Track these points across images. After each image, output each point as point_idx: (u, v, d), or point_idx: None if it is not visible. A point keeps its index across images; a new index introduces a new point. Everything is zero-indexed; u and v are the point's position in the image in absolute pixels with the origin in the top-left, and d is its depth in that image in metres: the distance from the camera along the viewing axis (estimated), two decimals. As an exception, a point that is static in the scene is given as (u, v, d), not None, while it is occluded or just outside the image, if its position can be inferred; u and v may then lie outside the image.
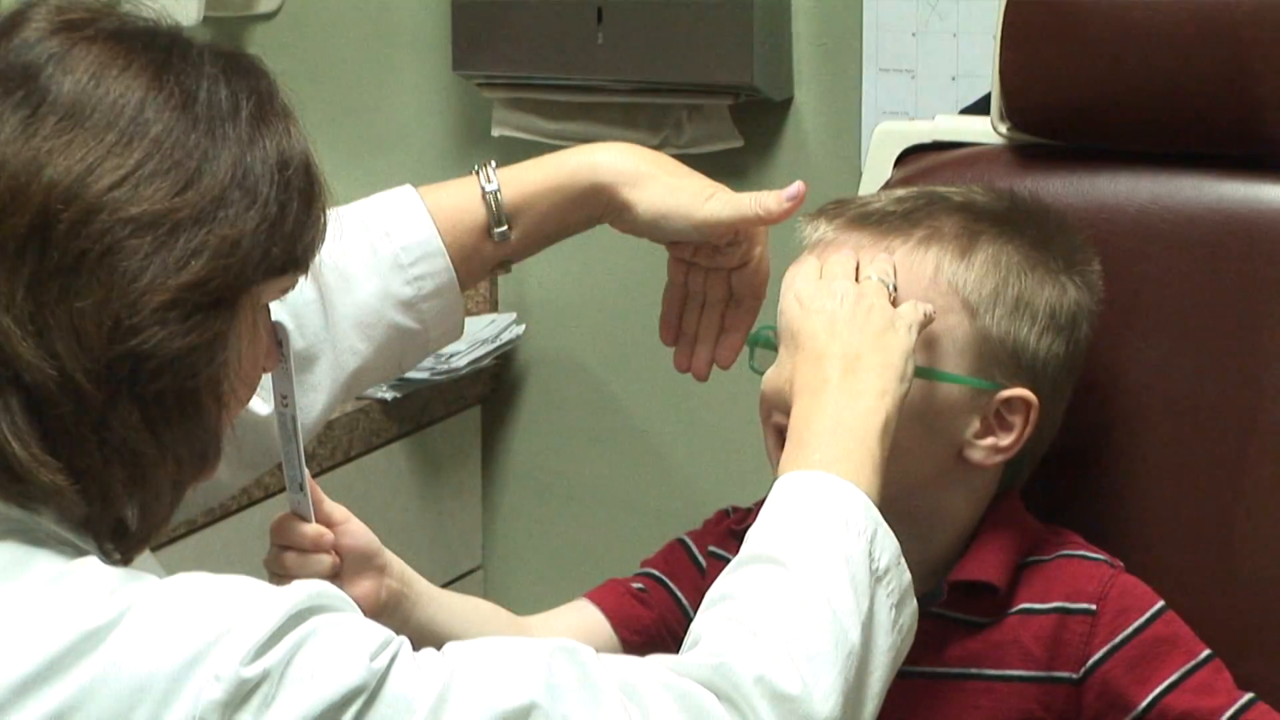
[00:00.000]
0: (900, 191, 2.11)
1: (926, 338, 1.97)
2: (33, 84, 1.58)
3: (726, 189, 2.04)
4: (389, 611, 1.98)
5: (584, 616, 2.14)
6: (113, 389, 1.57)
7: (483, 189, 2.05)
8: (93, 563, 1.58)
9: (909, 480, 1.99)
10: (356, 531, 1.96)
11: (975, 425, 2.01)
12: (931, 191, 2.09)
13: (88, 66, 1.59)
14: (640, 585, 2.15)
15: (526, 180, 2.06)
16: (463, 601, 2.13)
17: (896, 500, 1.91)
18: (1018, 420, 2.01)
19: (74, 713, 1.53)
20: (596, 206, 2.06)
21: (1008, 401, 2.01)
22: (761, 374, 2.03)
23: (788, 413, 1.89)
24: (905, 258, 2.01)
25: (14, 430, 1.56)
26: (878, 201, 2.07)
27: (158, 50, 1.62)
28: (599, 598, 2.15)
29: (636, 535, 2.83)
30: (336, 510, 1.95)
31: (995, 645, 2.04)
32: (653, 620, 2.14)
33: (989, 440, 2.02)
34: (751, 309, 2.08)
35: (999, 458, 2.02)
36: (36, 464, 1.56)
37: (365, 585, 1.96)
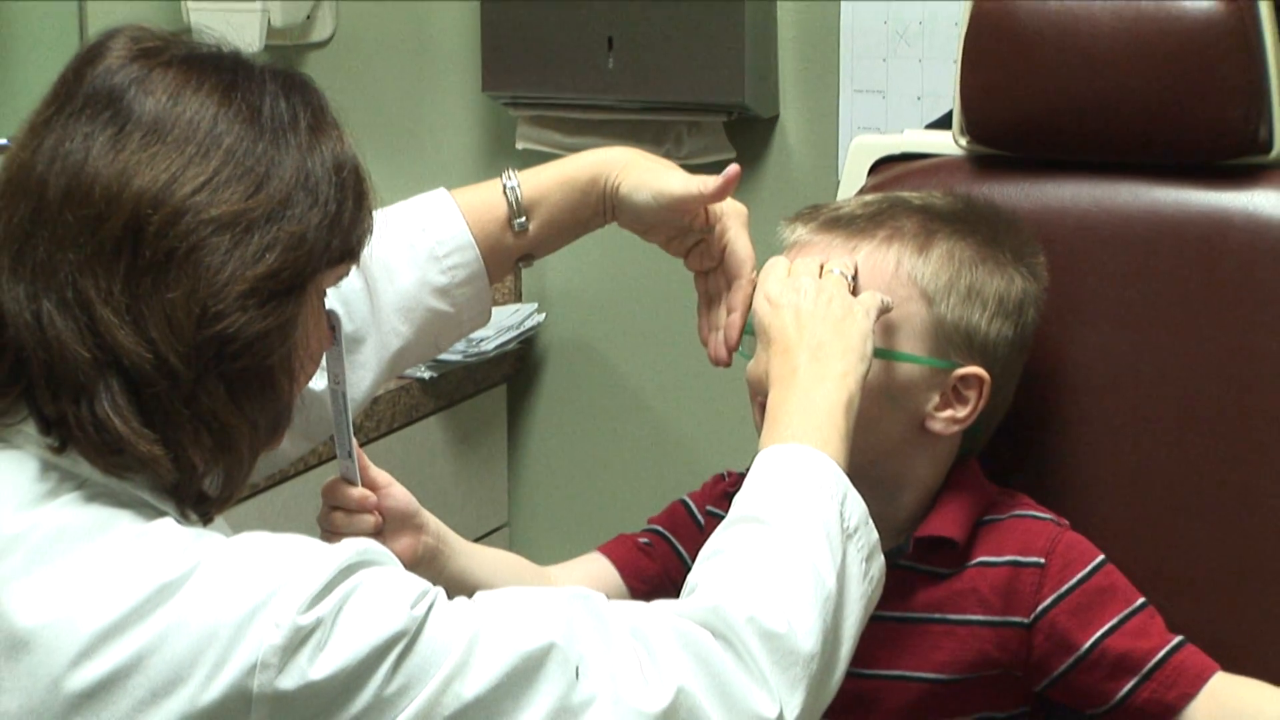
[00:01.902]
0: (867, 197, 2.12)
1: (890, 324, 1.98)
2: (118, 105, 1.58)
3: (694, 176, 2.05)
4: (426, 564, 1.98)
5: (597, 567, 2.14)
6: (201, 368, 1.57)
7: (504, 185, 2.05)
8: (169, 523, 1.58)
9: (878, 449, 2.00)
10: (398, 494, 1.96)
11: (935, 399, 2.01)
12: (894, 196, 2.09)
13: (165, 88, 1.59)
14: (646, 540, 2.15)
15: (541, 177, 2.07)
16: (492, 554, 2.13)
17: (868, 466, 1.93)
18: (972, 395, 2.02)
19: (151, 655, 1.52)
20: (595, 192, 2.07)
21: (963, 378, 2.01)
22: (749, 359, 2.03)
23: (768, 396, 1.90)
24: (870, 255, 2.01)
25: (115, 408, 1.56)
26: (847, 206, 2.07)
27: (225, 71, 1.62)
28: (610, 550, 2.15)
29: (643, 497, 2.83)
30: (380, 475, 1.95)
31: (956, 593, 2.04)
32: (657, 570, 2.14)
33: (947, 412, 2.02)
34: (740, 290, 2.07)
35: (957, 428, 2.03)
36: (136, 437, 1.56)
37: (404, 542, 1.96)
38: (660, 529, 2.16)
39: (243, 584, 1.54)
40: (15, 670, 1.53)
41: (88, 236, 1.56)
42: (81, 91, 1.60)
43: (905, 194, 2.10)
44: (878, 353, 1.95)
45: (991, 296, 2.02)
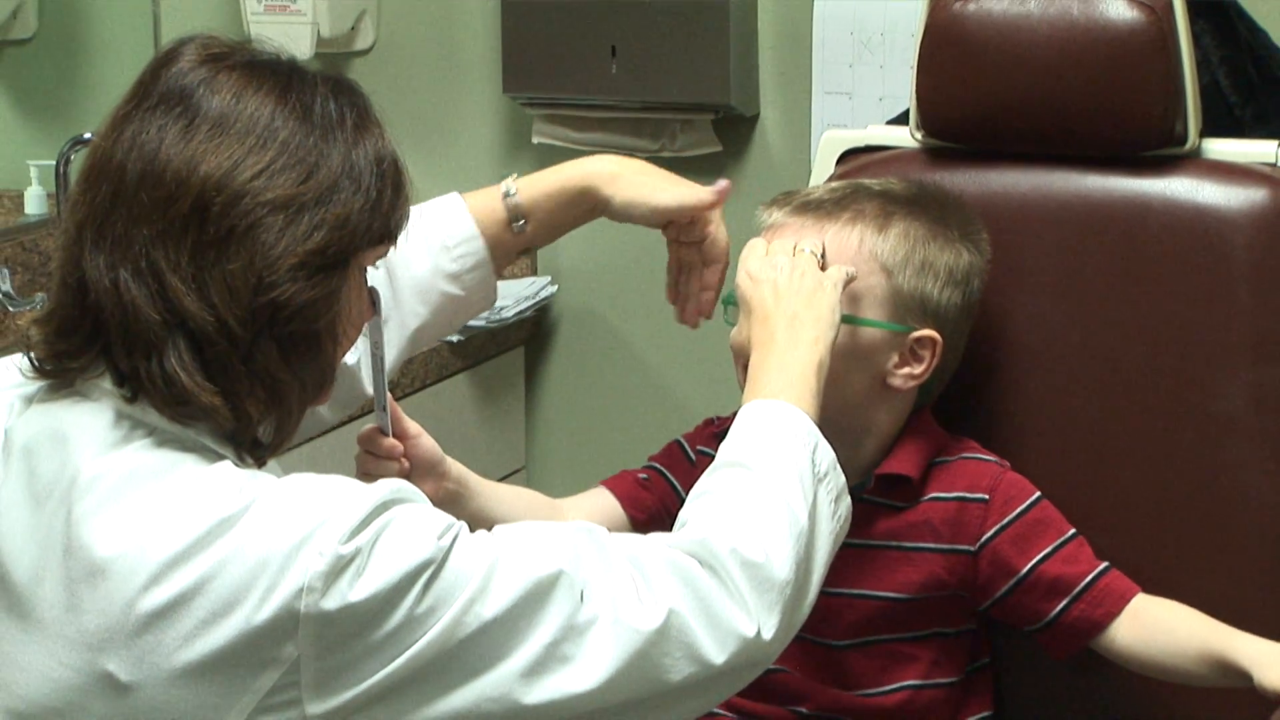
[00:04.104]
0: (834, 184, 2.11)
1: (854, 294, 1.98)
2: (188, 102, 1.58)
3: (685, 183, 2.05)
4: (448, 505, 1.96)
5: (602, 500, 2.14)
6: (256, 330, 1.56)
7: (504, 193, 2.06)
8: (227, 465, 1.58)
9: (845, 402, 1.99)
10: (425, 444, 1.96)
11: (894, 359, 2.01)
12: (856, 183, 2.09)
13: (230, 88, 1.58)
14: (645, 475, 2.15)
15: (537, 186, 2.07)
16: (510, 492, 2.13)
17: (836, 417, 1.93)
18: (927, 354, 2.01)
19: (212, 580, 1.52)
20: (586, 202, 2.07)
21: (919, 340, 2.01)
22: (733, 326, 2.03)
23: (749, 358, 1.91)
24: (836, 234, 2.00)
25: (181, 364, 1.55)
26: (816, 193, 2.07)
27: (281, 75, 1.61)
28: (612, 485, 2.15)
29: (642, 442, 2.83)
30: (411, 426, 1.95)
31: (910, 524, 2.03)
32: (653, 501, 2.13)
33: (905, 370, 2.01)
34: (716, 271, 2.08)
35: (913, 383, 2.02)
36: (199, 389, 1.55)
37: (429, 486, 1.95)
38: (658, 466, 2.16)
39: (292, 518, 1.53)
40: (94, 594, 1.53)
41: (159, 215, 1.55)
42: (157, 90, 1.59)
43: (866, 181, 2.10)
44: (844, 319, 1.95)
45: (942, 268, 2.02)
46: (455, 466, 2.01)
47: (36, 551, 1.56)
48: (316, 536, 1.53)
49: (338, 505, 1.55)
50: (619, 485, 2.14)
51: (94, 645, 1.53)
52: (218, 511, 1.53)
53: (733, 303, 2.04)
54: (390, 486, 1.58)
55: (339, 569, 1.52)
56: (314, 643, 1.53)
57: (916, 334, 2.01)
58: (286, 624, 1.52)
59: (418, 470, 1.95)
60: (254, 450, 1.62)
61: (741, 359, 1.98)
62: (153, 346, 1.55)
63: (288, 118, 1.59)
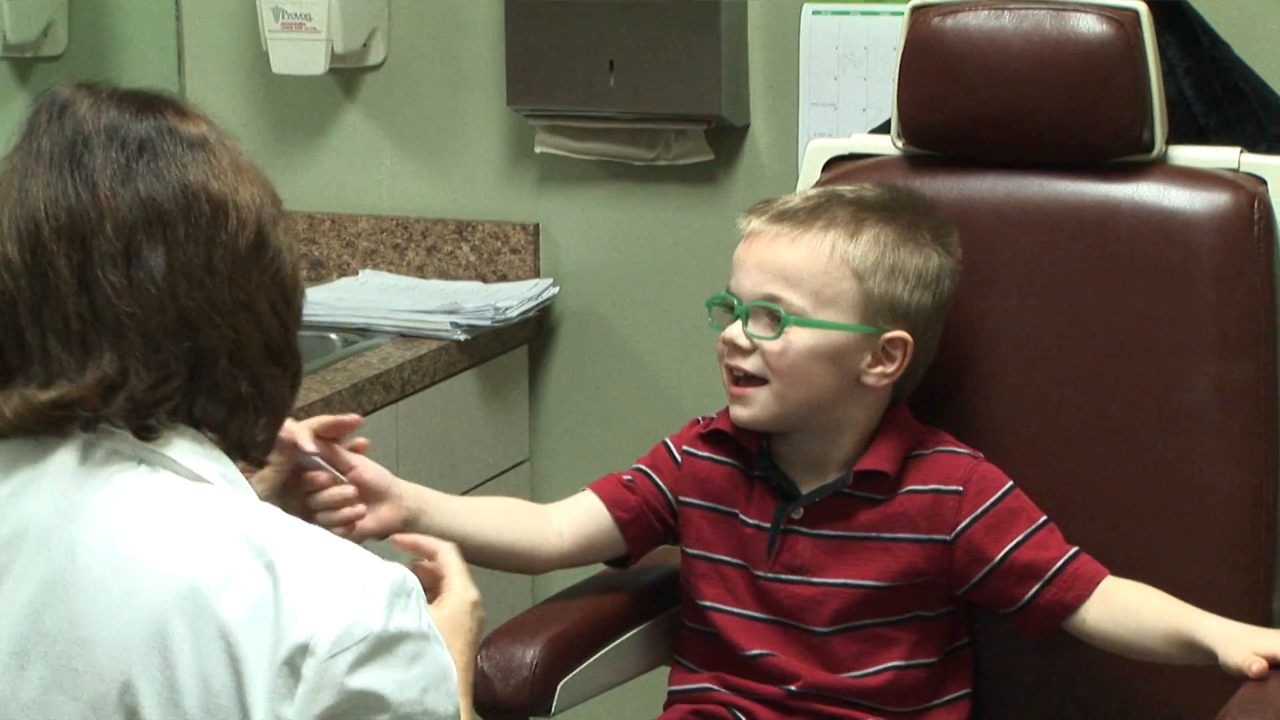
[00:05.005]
0: (810, 191, 2.11)
1: (827, 298, 1.97)
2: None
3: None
4: (411, 525, 1.91)
5: (588, 503, 2.11)
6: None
7: None
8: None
9: (821, 400, 2.00)
10: (368, 473, 1.88)
11: (868, 358, 2.00)
12: (830, 191, 2.08)
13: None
14: (629, 477, 2.13)
15: None
16: (481, 504, 2.09)
17: (815, 414, 1.96)
18: (899, 354, 2.01)
19: None
20: None
21: (890, 341, 2.00)
22: (720, 329, 2.03)
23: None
24: (810, 241, 1.99)
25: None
26: (793, 201, 2.06)
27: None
28: (598, 488, 2.12)
29: (637, 436, 2.82)
30: (349, 458, 1.87)
31: (889, 516, 2.03)
32: (637, 502, 2.11)
33: (878, 369, 2.01)
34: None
35: (887, 381, 2.02)
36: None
37: (384, 511, 1.90)
38: (644, 467, 2.14)
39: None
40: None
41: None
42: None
43: (840, 188, 2.09)
44: (818, 324, 1.94)
45: (912, 272, 2.00)
46: (410, 488, 1.94)
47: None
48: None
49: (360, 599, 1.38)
50: (604, 488, 2.11)
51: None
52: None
53: (719, 303, 2.03)
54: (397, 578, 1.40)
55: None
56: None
57: (888, 335, 2.00)
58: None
59: (367, 499, 1.88)
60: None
61: (727, 357, 1.99)
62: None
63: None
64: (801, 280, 1.98)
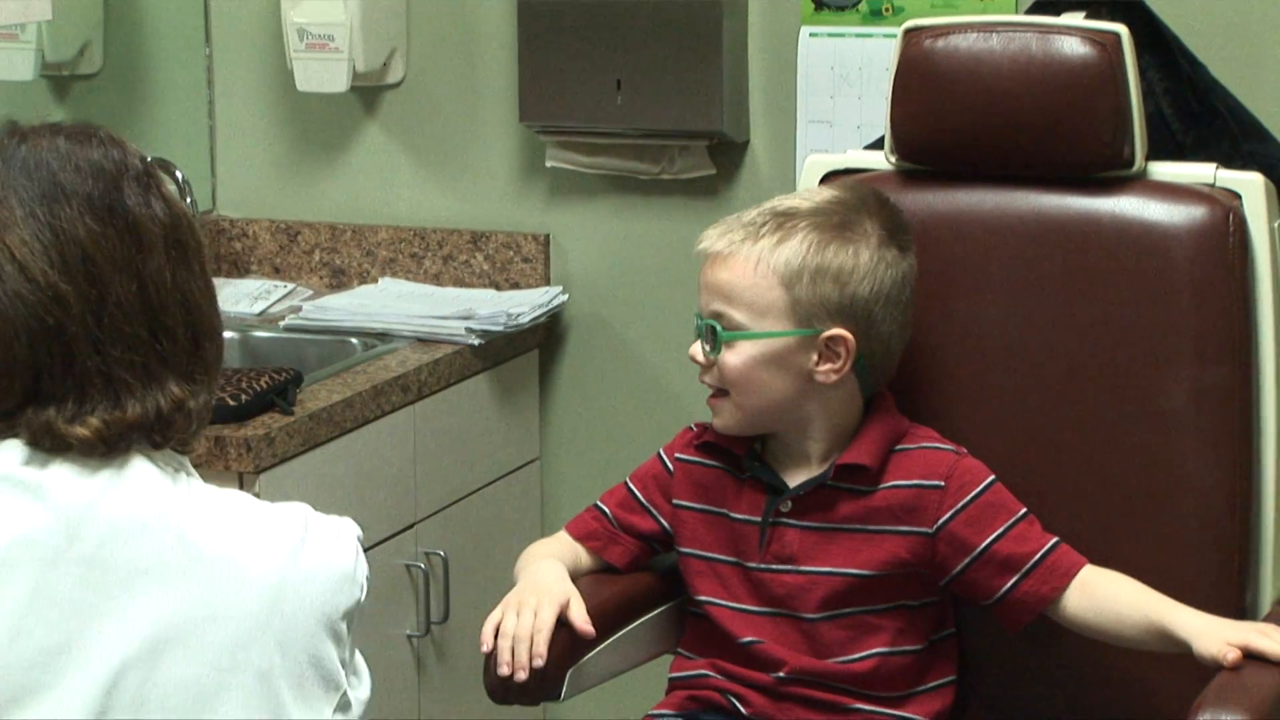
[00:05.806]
0: (763, 206, 2.08)
1: (761, 308, 1.99)
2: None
3: None
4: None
5: (562, 541, 2.15)
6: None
7: None
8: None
9: (784, 402, 2.02)
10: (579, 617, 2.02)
11: (814, 358, 2.01)
12: (774, 204, 2.08)
13: None
14: (605, 508, 2.15)
15: None
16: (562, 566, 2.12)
17: (776, 415, 2.01)
18: (842, 349, 2.01)
19: None
20: None
21: (830, 339, 2.01)
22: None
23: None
24: (742, 257, 2.01)
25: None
26: (745, 217, 2.06)
27: None
28: (570, 526, 2.16)
29: (644, 435, 2.83)
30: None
31: (872, 509, 2.03)
32: (602, 528, 2.14)
33: (827, 366, 2.01)
34: None
35: (838, 376, 2.02)
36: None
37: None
38: (633, 487, 2.16)
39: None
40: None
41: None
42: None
43: (787, 198, 2.09)
44: (753, 335, 1.97)
45: (840, 270, 2.00)
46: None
47: None
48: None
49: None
50: (575, 526, 2.16)
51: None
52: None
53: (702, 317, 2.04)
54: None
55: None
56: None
57: (827, 334, 2.01)
58: None
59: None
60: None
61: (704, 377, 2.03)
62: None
63: None
64: (736, 295, 2.00)
